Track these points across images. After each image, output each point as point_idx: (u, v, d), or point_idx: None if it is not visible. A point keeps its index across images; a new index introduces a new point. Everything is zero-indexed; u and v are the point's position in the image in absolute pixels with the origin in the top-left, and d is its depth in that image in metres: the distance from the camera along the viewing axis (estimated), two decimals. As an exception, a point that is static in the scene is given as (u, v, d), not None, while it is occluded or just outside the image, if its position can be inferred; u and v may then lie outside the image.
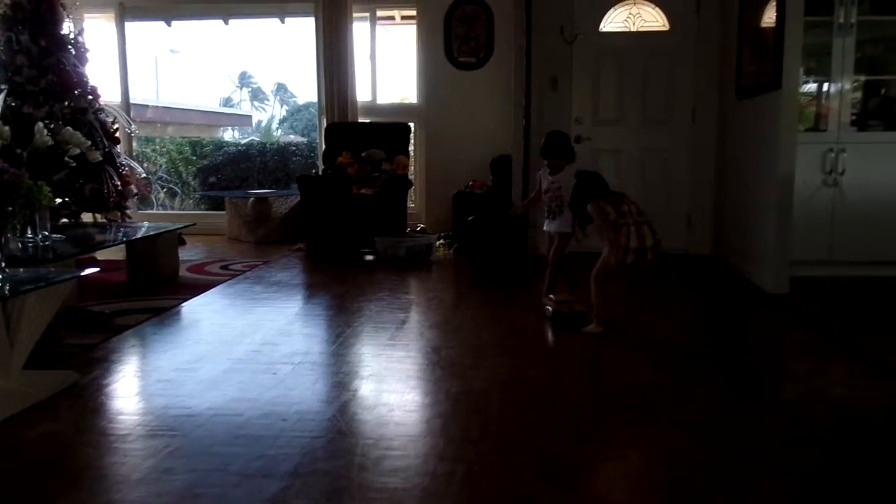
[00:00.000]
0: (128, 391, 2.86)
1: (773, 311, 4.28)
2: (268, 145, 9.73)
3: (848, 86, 5.11)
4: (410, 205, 7.23)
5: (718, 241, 6.16)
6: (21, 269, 2.91)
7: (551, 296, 3.76)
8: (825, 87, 5.17)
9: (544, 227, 3.77)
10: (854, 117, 5.14)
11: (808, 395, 2.81)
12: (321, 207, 6.26)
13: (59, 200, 5.44)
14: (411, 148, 7.14)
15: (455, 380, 2.89)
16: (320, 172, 6.80)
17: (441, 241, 6.44)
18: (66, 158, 4.61)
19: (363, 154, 6.65)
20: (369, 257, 6.13)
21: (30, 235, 4.09)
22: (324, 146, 6.95)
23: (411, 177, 7.05)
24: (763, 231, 5.04)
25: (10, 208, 2.81)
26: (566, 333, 3.60)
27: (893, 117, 5.14)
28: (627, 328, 3.59)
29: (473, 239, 5.51)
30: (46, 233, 4.16)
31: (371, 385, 2.86)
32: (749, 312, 4.29)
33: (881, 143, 5.08)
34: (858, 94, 5.24)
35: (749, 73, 5.36)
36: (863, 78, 5.24)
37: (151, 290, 4.73)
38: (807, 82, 5.20)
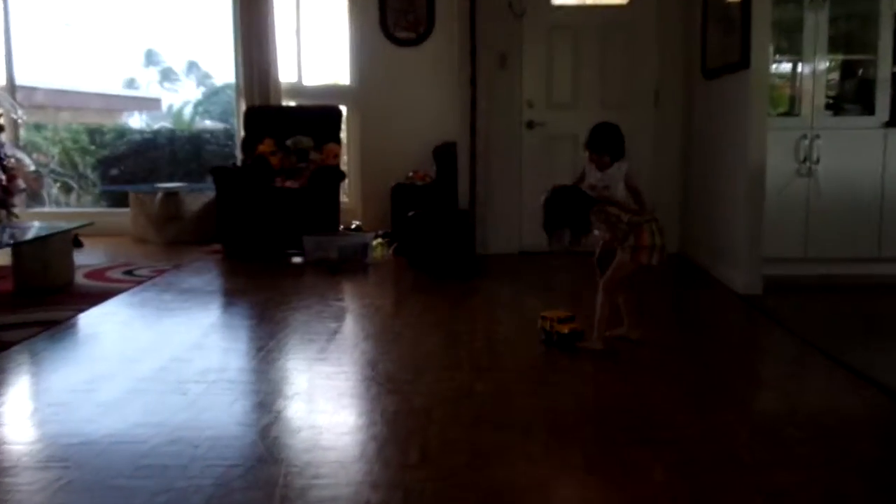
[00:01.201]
0: (14, 417, 2.82)
1: (744, 314, 4.37)
2: (178, 132, 9.58)
3: (822, 66, 5.15)
4: (344, 199, 7.13)
5: (685, 237, 6.24)
6: None
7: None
8: (798, 67, 5.22)
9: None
10: (829, 101, 5.19)
11: (783, 407, 2.86)
12: (240, 203, 6.19)
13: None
14: (343, 135, 7.09)
15: (392, 397, 2.90)
16: (239, 163, 6.75)
17: (379, 239, 6.42)
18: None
19: (288, 142, 6.62)
20: (297, 259, 6.11)
21: None
22: (243, 133, 6.87)
23: (344, 167, 7.00)
24: (734, 226, 5.08)
25: None
26: (516, 342, 3.63)
27: (871, 101, 5.17)
28: (585, 335, 3.58)
29: (415, 237, 5.56)
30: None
31: (297, 405, 2.85)
32: (719, 315, 4.37)
33: (858, 129, 5.13)
34: (834, 76, 5.33)
35: (715, 51, 5.41)
36: (840, 57, 5.38)
37: (42, 301, 4.68)
38: (778, 62, 5.25)
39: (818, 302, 4.49)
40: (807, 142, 5.15)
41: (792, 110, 5.24)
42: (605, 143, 3.50)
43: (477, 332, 3.82)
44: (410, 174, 6.77)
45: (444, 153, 6.46)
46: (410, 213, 5.74)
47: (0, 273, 5.29)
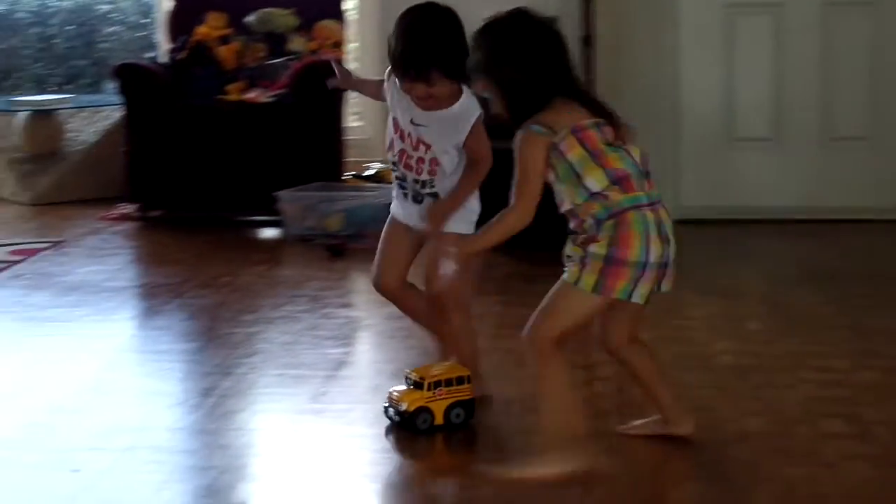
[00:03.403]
0: None
1: None
2: (51, 7, 8.82)
3: None
4: (354, 123, 6.83)
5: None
6: None
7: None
8: None
9: (393, 210, 3.57)
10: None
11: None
12: (166, 131, 6.03)
13: None
14: (350, 4, 6.83)
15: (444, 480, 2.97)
16: (163, 58, 6.62)
17: None
18: None
19: (250, 18, 6.31)
20: (270, 231, 5.92)
21: None
22: (170, 4, 6.67)
23: (352, 66, 6.37)
24: None
25: None
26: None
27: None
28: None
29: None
30: None
31: (273, 494, 2.76)
32: None
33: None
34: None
35: None
36: None
37: None
38: None
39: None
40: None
41: None
42: (429, 48, 3.21)
43: (596, 368, 3.68)
44: None
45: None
46: None
47: None
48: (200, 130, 5.99)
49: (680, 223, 3.69)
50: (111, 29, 8.49)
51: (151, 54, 7.09)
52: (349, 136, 6.45)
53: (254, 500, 2.75)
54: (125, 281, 4.95)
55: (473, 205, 3.36)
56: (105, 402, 3.38)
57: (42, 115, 6.79)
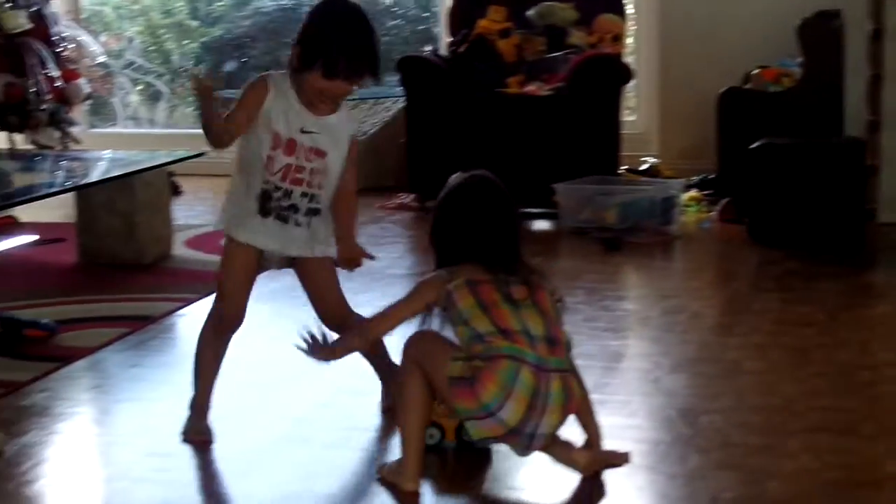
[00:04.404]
0: (87, 474, 2.95)
1: None
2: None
3: None
4: (628, 117, 6.87)
5: None
6: None
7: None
8: None
9: (249, 238, 3.24)
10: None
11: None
12: (445, 122, 6.18)
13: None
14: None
15: (728, 475, 2.80)
16: (443, 51, 6.84)
17: (693, 191, 6.25)
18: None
19: (531, 13, 6.43)
20: (545, 223, 6.06)
21: None
22: None
23: (629, 59, 6.66)
24: None
25: None
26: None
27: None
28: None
29: (763, 187, 5.43)
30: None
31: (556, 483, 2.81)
32: None
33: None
34: None
35: None
36: None
37: (121, 283, 4.76)
38: None
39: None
40: None
41: None
42: (328, 42, 3.02)
43: (881, 369, 3.67)
44: (755, 71, 6.28)
45: (818, 33, 6.04)
46: (755, 145, 5.47)
47: (57, 234, 5.43)
48: (479, 123, 6.09)
49: None
50: (392, 23, 8.86)
51: (431, 47, 7.34)
52: (624, 131, 6.41)
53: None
54: (405, 269, 5.09)
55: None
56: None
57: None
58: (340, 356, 2.97)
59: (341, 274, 3.36)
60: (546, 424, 2.70)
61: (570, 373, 2.76)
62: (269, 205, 3.13)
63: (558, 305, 2.86)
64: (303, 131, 3.05)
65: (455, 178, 2.99)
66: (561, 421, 2.74)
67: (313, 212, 3.17)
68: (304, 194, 3.13)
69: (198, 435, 3.03)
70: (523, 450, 2.79)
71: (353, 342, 3.02)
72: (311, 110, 3.04)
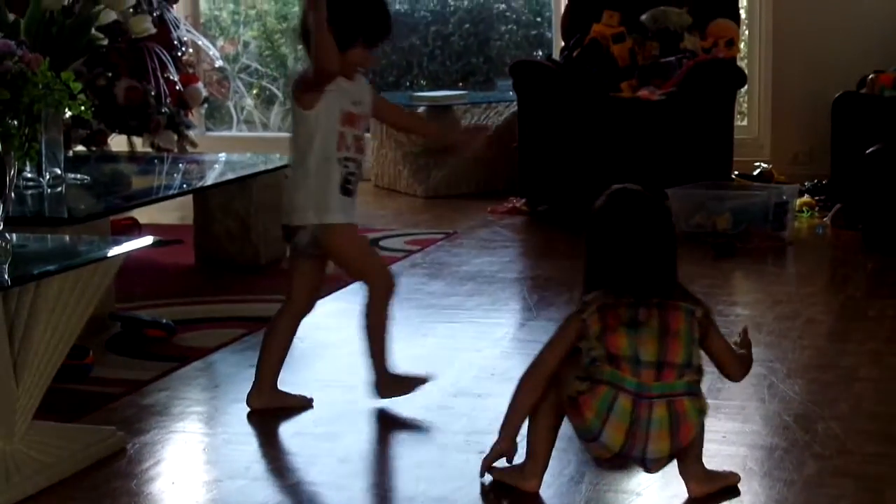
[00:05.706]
0: (208, 471, 2.99)
1: None
2: (450, 6, 9.18)
3: None
4: (741, 122, 6.90)
5: None
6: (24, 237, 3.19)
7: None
8: None
9: (353, 217, 3.42)
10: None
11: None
12: (558, 127, 6.13)
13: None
14: (742, 4, 6.85)
15: (846, 482, 2.77)
16: (556, 56, 6.77)
17: (805, 197, 6.21)
18: (93, 31, 4.93)
19: (644, 17, 6.38)
20: None
21: (29, 174, 4.31)
22: (565, 3, 6.86)
23: (742, 63, 6.64)
24: None
25: (16, 121, 2.92)
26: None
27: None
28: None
29: (881, 193, 5.37)
30: (58, 171, 4.37)
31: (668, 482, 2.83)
32: None
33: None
34: None
35: None
36: None
37: (240, 283, 4.83)
38: None
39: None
40: None
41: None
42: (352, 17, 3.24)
43: None
44: (870, 76, 6.20)
45: None
46: (872, 149, 5.44)
47: (175, 236, 5.44)
48: (592, 127, 6.08)
49: None
50: (505, 27, 8.80)
51: (545, 52, 7.35)
52: (736, 135, 6.42)
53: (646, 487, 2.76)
54: (516, 272, 5.09)
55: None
56: (504, 389, 3.28)
57: (439, 110, 7.06)
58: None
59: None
60: (653, 450, 2.68)
61: (682, 397, 2.71)
62: (349, 185, 3.33)
63: (698, 326, 2.79)
64: (353, 103, 3.28)
65: (614, 196, 2.95)
66: (672, 446, 2.70)
67: (356, 173, 3.42)
68: (361, 162, 3.40)
69: (405, 388, 3.22)
70: (645, 470, 2.78)
71: (501, 443, 2.95)
72: (352, 77, 3.28)
